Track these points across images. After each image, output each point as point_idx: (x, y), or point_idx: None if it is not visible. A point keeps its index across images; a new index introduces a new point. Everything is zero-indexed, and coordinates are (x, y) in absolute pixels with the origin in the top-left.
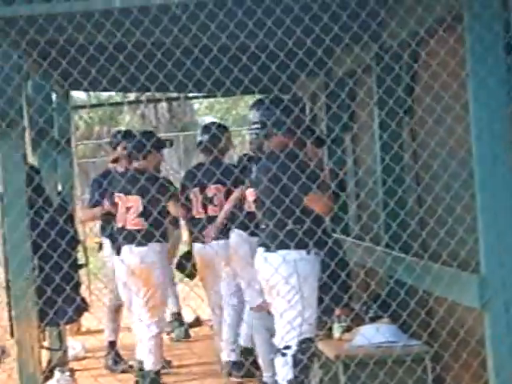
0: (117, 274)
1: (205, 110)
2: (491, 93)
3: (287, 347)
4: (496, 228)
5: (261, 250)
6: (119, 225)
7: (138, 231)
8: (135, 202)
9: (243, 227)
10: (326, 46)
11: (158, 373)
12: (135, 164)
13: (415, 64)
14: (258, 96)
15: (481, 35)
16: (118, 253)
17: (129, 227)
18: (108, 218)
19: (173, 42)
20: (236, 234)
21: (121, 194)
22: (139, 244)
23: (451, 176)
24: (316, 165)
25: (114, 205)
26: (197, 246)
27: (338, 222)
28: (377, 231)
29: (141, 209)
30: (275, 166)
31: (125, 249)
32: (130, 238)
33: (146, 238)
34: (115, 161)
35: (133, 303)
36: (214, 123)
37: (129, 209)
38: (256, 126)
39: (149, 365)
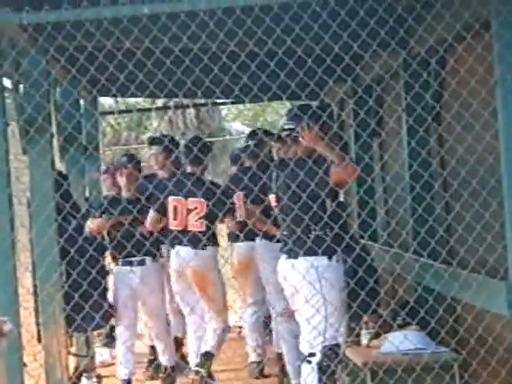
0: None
1: (233, 116)
2: None
3: (313, 354)
4: None
5: (285, 256)
6: (178, 228)
7: (199, 233)
8: (199, 204)
9: (268, 234)
10: (353, 52)
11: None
12: (190, 168)
13: (443, 70)
14: (286, 102)
15: (509, 42)
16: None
17: (190, 229)
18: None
19: (200, 48)
20: (262, 241)
21: (179, 197)
22: (200, 246)
23: (479, 183)
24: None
25: (162, 209)
26: (238, 245)
27: (365, 228)
28: (405, 237)
29: (205, 211)
30: (303, 172)
31: (185, 250)
32: (192, 240)
33: (205, 241)
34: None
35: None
36: (259, 129)
37: (190, 211)
38: (286, 132)
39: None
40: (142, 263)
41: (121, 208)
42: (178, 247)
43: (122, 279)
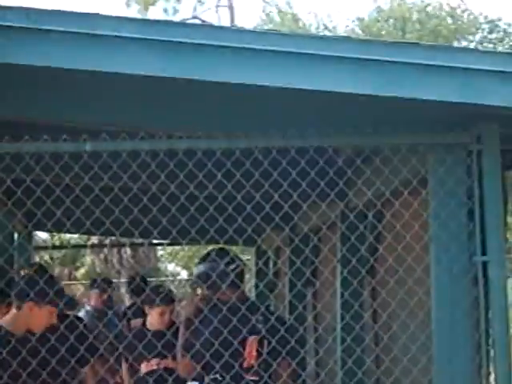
0: None
1: (168, 257)
2: (452, 257)
3: None
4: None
5: None
6: None
7: None
8: None
9: None
10: (292, 201)
11: None
12: None
13: (379, 224)
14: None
15: (444, 201)
16: None
17: None
18: None
19: (140, 188)
20: None
21: None
22: None
23: (409, 338)
24: None
25: None
26: None
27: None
28: None
29: None
30: (217, 320)
31: None
32: None
33: None
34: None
35: None
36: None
37: None
38: (198, 279)
39: None
40: None
41: None
42: None
43: None
